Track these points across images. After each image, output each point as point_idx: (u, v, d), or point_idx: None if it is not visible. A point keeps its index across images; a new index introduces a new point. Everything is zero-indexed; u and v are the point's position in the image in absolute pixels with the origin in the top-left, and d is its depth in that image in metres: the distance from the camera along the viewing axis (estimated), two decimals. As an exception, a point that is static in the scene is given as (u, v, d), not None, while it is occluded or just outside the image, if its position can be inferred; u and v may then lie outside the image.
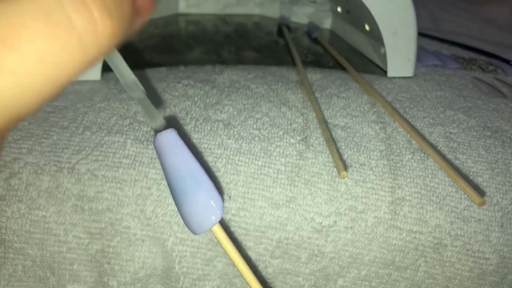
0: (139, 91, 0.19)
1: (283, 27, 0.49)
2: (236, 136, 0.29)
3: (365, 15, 0.39)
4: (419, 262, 0.28)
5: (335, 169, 0.28)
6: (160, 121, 0.21)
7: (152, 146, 0.28)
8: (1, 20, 0.10)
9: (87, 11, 0.11)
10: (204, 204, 0.20)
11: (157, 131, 0.21)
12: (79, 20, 0.11)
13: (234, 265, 0.21)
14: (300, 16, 0.53)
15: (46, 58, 0.10)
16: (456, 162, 0.30)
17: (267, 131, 0.30)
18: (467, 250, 0.28)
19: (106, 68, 0.33)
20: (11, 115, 0.10)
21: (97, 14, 0.11)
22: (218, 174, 0.27)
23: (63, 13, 0.10)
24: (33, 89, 0.10)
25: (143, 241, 0.27)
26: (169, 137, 0.21)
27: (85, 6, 0.11)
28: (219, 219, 0.20)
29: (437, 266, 0.28)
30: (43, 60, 0.10)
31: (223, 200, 0.27)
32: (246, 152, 0.28)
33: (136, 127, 0.29)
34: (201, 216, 0.20)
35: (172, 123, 0.30)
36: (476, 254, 0.28)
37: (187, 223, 0.21)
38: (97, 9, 0.11)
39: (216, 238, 0.21)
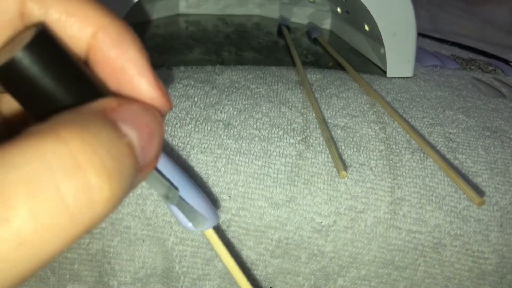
0: (174, 199, 0.17)
1: (283, 27, 0.49)
2: (236, 136, 0.29)
3: (365, 16, 0.39)
4: (418, 261, 0.28)
5: (334, 169, 0.28)
6: (200, 216, 0.20)
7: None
8: None
9: (81, 177, 0.09)
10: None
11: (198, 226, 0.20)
12: (70, 188, 0.09)
13: (227, 268, 0.21)
14: (300, 16, 0.53)
15: (25, 238, 0.08)
16: (456, 162, 0.30)
17: (267, 131, 0.30)
18: (466, 250, 0.28)
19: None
20: None
21: (95, 180, 0.09)
22: (218, 174, 0.27)
23: (50, 182, 0.08)
24: (7, 272, 0.08)
25: (143, 241, 0.27)
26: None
27: (79, 171, 0.09)
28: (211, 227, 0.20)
29: (436, 266, 0.28)
30: (20, 242, 0.08)
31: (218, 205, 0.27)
32: (246, 152, 0.28)
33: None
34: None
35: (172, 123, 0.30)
36: (475, 254, 0.28)
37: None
38: (94, 173, 0.09)
39: (208, 240, 0.21)
